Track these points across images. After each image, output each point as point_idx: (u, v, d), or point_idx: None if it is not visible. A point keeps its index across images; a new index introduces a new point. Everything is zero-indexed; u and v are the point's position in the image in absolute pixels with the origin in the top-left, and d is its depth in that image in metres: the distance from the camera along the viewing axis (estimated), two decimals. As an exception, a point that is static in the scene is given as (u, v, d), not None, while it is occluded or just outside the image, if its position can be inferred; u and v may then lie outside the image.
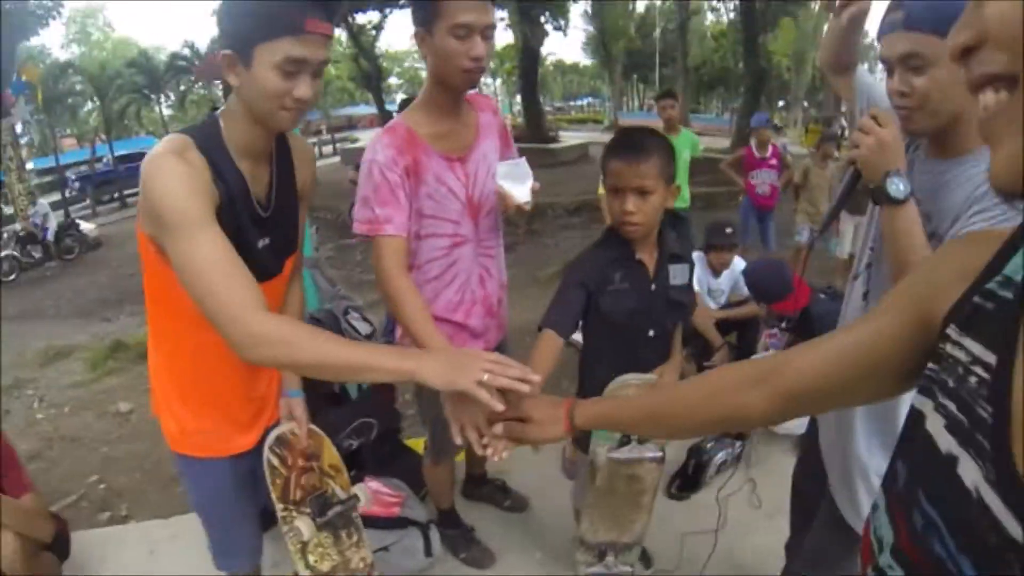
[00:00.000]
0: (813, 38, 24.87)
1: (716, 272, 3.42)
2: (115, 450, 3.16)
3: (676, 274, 1.54)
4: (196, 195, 1.05)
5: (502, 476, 2.45)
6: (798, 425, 2.18)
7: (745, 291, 3.27)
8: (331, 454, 1.57)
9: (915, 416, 0.51)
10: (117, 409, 3.65)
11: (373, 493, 1.98)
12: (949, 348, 0.48)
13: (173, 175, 1.04)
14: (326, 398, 2.46)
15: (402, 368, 0.98)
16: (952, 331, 0.49)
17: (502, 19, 18.03)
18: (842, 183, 1.18)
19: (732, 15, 25.83)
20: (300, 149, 1.34)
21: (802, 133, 13.44)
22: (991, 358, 0.44)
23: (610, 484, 1.56)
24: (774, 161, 5.46)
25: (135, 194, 17.49)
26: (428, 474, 2.11)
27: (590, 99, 57.53)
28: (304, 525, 1.48)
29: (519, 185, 1.57)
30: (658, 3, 33.37)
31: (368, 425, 2.41)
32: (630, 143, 1.45)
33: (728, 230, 3.40)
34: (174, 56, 24.99)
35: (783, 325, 2.71)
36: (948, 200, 1.01)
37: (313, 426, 1.51)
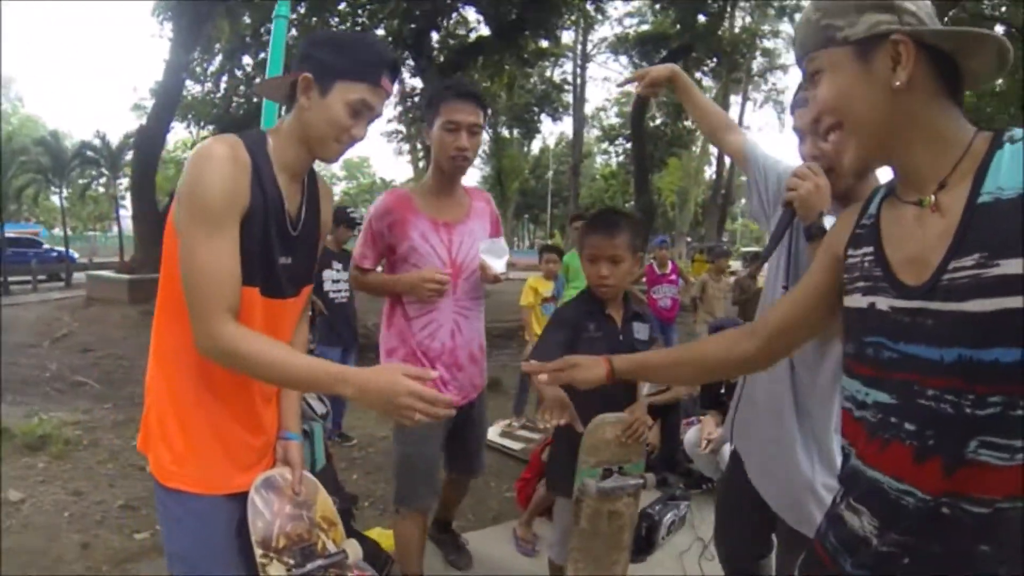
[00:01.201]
0: (696, 176, 27.89)
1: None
2: (4, 542, 2.67)
3: (639, 330, 1.86)
4: (229, 196, 1.12)
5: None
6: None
7: (668, 380, 3.68)
8: (325, 505, 1.50)
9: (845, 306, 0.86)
10: (6, 497, 3.10)
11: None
12: (849, 260, 0.86)
13: (217, 169, 1.11)
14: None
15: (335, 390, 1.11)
16: (849, 251, 0.86)
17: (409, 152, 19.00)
18: (777, 222, 1.34)
19: (621, 158, 28.89)
20: (324, 188, 1.42)
21: (688, 264, 15.16)
22: (870, 248, 0.82)
23: (594, 525, 1.71)
24: (673, 277, 6.19)
25: (19, 282, 15.37)
26: (397, 530, 2.07)
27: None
28: (276, 573, 1.32)
29: (497, 259, 1.96)
30: (552, 146, 36.82)
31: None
32: (606, 220, 1.82)
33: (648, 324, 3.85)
34: (83, 144, 22.68)
35: (722, 392, 3.02)
36: None
37: (308, 473, 1.45)
